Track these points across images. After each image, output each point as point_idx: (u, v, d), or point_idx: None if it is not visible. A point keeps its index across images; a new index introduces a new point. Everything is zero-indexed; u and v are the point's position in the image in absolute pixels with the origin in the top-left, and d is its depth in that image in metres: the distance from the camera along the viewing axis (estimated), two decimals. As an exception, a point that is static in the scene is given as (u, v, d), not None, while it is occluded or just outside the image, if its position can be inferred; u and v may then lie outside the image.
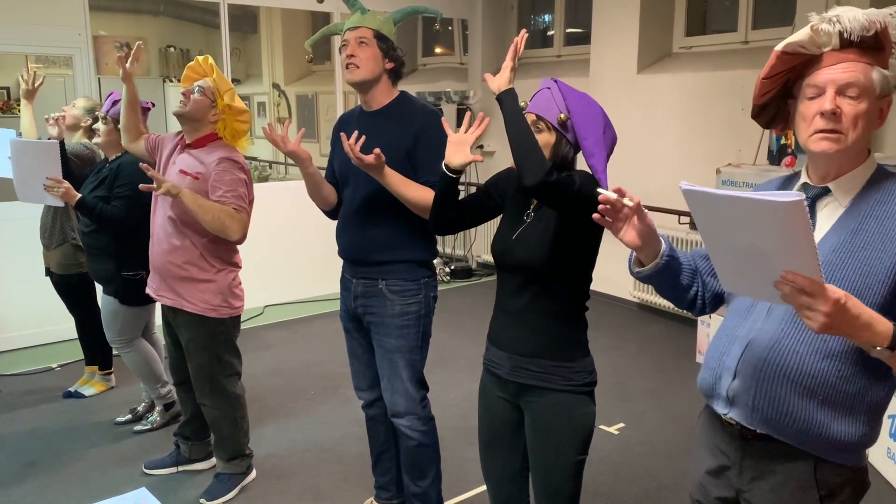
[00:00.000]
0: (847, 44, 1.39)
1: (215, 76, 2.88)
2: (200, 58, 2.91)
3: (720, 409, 1.56)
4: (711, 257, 1.38)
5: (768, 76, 1.51)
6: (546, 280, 1.92)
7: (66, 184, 3.15)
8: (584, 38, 6.26)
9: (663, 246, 1.58)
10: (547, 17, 6.92)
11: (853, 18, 1.37)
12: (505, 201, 2.08)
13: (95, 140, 3.44)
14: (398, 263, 2.52)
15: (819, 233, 1.46)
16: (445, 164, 1.98)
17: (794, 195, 1.14)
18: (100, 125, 3.39)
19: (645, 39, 5.58)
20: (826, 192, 1.47)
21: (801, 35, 1.43)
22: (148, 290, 3.03)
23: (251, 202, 2.90)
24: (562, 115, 1.88)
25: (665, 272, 1.60)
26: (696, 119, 5.22)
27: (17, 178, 3.28)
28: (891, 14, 1.40)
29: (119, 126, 3.22)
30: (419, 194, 2.33)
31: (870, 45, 1.39)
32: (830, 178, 1.47)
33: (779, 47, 1.46)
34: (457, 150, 1.97)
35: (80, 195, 3.18)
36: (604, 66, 5.81)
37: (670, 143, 5.44)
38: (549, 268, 1.91)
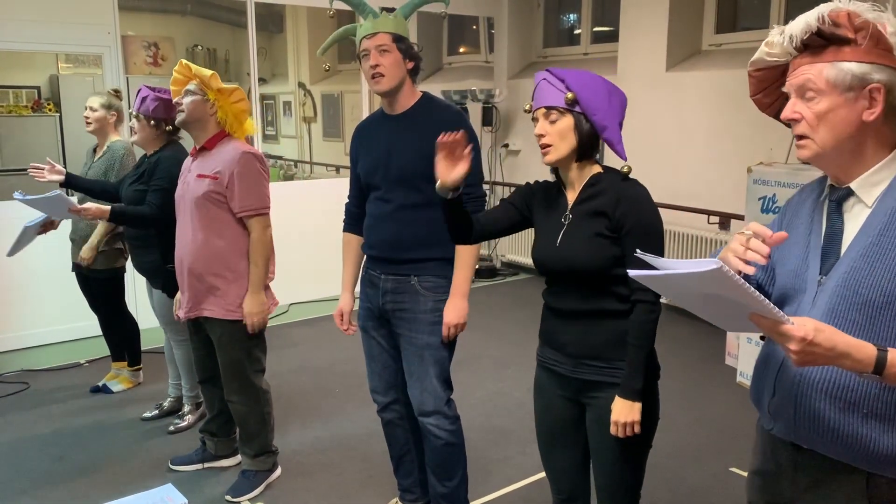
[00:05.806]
0: (802, 48, 1.39)
1: (194, 71, 2.87)
2: (177, 67, 2.90)
3: (766, 424, 1.53)
4: (693, 312, 1.37)
5: (754, 94, 1.55)
6: (595, 281, 1.92)
7: (90, 207, 3.11)
8: (612, 36, 6.21)
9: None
10: (573, 16, 6.87)
11: (796, 23, 1.37)
12: (533, 213, 2.08)
13: (132, 138, 3.43)
14: (431, 261, 2.49)
15: (848, 236, 1.40)
16: (437, 186, 1.90)
17: (712, 263, 1.14)
18: (133, 123, 3.38)
19: (674, 37, 5.50)
20: (850, 192, 1.41)
21: (758, 52, 1.48)
22: (181, 315, 2.99)
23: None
24: (569, 95, 1.89)
25: None
26: (727, 117, 5.13)
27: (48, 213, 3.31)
28: (846, 2, 1.37)
29: (152, 123, 3.30)
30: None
31: (821, 45, 1.35)
32: (848, 178, 1.40)
33: (749, 67, 1.52)
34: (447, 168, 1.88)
35: (109, 207, 3.13)
36: (632, 64, 5.74)
37: (700, 141, 5.36)
38: (595, 268, 1.91)
